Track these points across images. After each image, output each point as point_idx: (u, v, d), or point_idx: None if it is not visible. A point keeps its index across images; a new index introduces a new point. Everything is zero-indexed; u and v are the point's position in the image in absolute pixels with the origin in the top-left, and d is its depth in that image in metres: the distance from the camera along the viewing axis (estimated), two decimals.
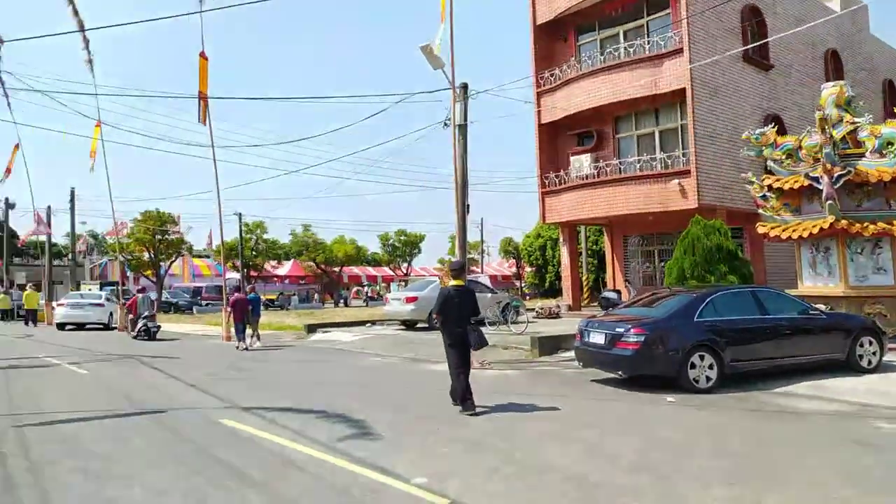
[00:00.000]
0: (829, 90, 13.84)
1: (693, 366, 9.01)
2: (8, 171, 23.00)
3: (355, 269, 53.66)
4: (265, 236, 46.02)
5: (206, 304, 39.64)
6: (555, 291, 36.34)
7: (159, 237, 39.65)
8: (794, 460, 5.73)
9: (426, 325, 18.51)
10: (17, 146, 23.37)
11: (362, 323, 21.35)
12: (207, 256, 50.00)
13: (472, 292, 8.40)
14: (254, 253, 44.30)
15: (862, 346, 10.11)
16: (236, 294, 17.29)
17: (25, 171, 41.91)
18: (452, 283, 8.29)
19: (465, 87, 13.04)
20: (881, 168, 12.85)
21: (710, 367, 9.09)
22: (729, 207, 19.56)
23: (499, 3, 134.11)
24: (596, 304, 24.13)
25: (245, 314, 16.38)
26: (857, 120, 13.46)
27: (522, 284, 49.14)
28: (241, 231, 41.86)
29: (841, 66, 24.80)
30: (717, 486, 4.96)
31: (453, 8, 11.90)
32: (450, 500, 4.64)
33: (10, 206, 37.68)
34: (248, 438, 6.51)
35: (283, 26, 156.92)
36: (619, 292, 22.01)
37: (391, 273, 54.50)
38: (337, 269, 49.40)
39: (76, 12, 17.01)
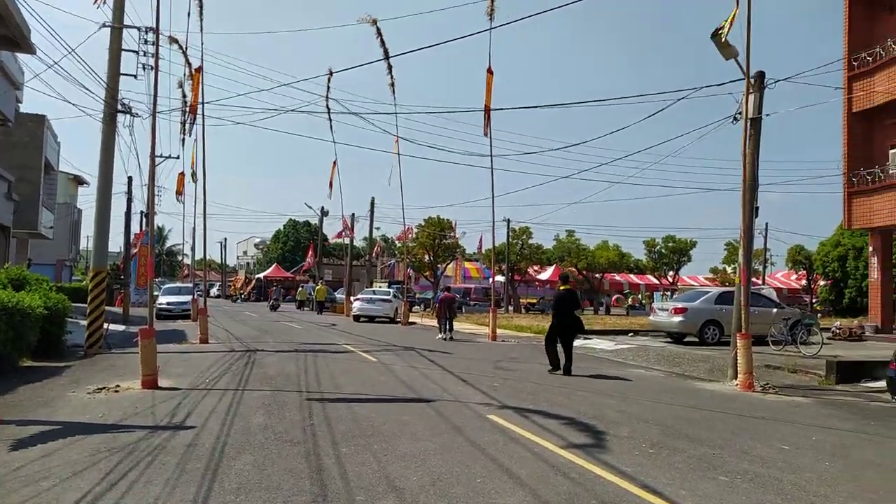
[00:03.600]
0: None
1: None
2: (330, 185, 27.19)
3: (617, 276, 52.29)
4: (530, 241, 47.37)
5: (474, 305, 42.20)
6: (856, 310, 31.07)
7: (438, 241, 43.42)
8: None
9: (696, 340, 17.18)
10: (335, 163, 27.48)
11: (625, 332, 20.67)
12: (477, 260, 53.22)
13: (575, 293, 13.32)
14: (518, 257, 45.90)
15: None
16: (444, 293, 20.72)
17: (339, 184, 49.17)
18: (562, 286, 12.83)
19: (761, 75, 11.78)
20: None
21: None
22: None
23: None
24: None
25: (451, 310, 19.89)
26: None
27: (814, 300, 42.92)
28: (508, 236, 43.71)
29: None
30: None
31: None
32: None
33: (324, 213, 44.63)
34: (512, 436, 6.69)
35: (558, 37, 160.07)
36: None
37: (656, 281, 51.91)
38: (598, 275, 48.66)
39: (383, 42, 19.67)
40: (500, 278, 44.58)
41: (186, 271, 71.40)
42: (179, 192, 24.39)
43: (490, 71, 18.43)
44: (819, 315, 32.80)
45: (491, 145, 19.49)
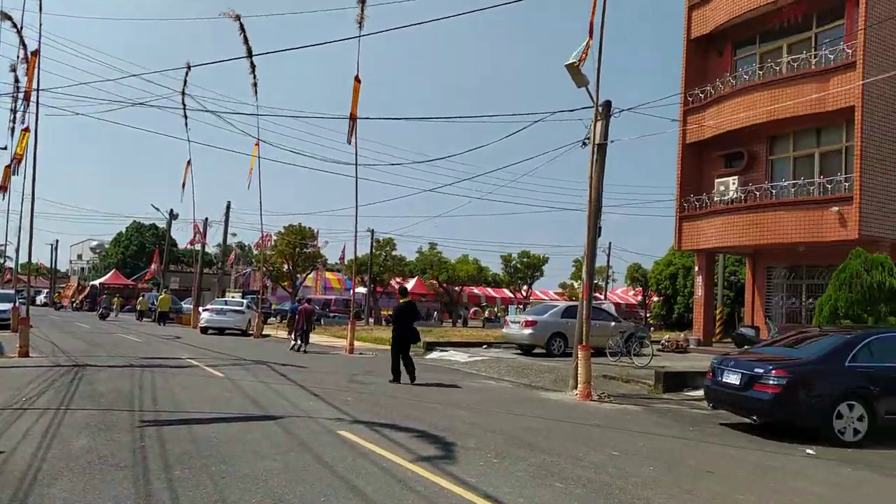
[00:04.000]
0: None
1: (840, 416, 8.10)
2: (183, 185, 25.62)
3: (475, 290, 53.93)
4: (394, 253, 47.54)
5: (335, 316, 41.49)
6: (683, 324, 34.34)
7: (299, 250, 42.26)
8: None
9: (543, 351, 18.08)
10: (188, 162, 25.91)
11: (479, 344, 21.29)
12: (339, 270, 52.50)
13: (414, 305, 14.02)
14: (381, 269, 45.88)
15: None
16: (304, 304, 20.56)
17: (192, 185, 46.27)
18: (402, 300, 13.58)
19: (607, 104, 12.70)
20: None
21: (860, 418, 8.14)
22: (895, 240, 17.50)
23: (645, 22, 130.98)
24: (729, 340, 22.42)
25: (309, 322, 19.94)
26: None
27: (648, 314, 46.93)
28: (371, 247, 43.57)
29: None
30: None
31: (604, 25, 11.55)
32: None
33: (173, 216, 41.76)
34: (361, 452, 6.59)
35: (432, 49, 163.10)
36: (757, 329, 20.31)
37: (511, 295, 54.16)
38: (458, 288, 49.89)
39: (246, 40, 18.93)
40: (361, 290, 44.24)
41: (9, 276, 63.69)
42: (3, 188, 21.77)
43: (357, 79, 18.34)
44: (651, 329, 35.93)
45: (356, 154, 19.28)
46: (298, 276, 44.37)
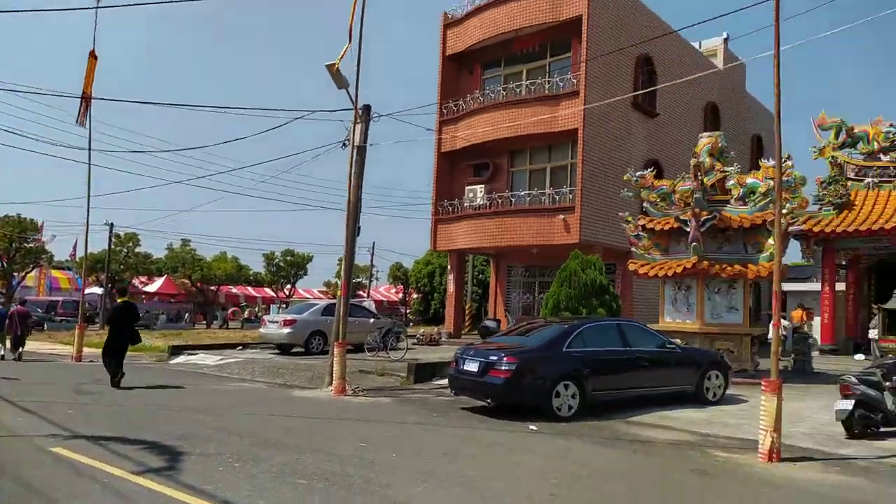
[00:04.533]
0: (706, 139, 14.95)
1: (558, 395, 9.22)
2: None
3: (234, 289, 51.29)
4: (137, 249, 42.95)
5: (61, 321, 36.12)
6: (439, 319, 36.49)
7: (17, 245, 36.11)
8: (630, 486, 5.89)
9: (303, 350, 17.85)
10: None
11: (234, 346, 20.29)
12: (69, 268, 45.99)
13: (134, 305, 13.37)
14: (122, 267, 41.15)
15: (709, 379, 10.81)
16: (17, 307, 18.51)
17: None
18: (120, 299, 13.04)
19: (367, 108, 12.86)
20: (743, 214, 13.98)
21: (574, 396, 9.34)
22: (606, 244, 20.53)
23: (407, 31, 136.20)
24: (477, 332, 24.42)
25: (24, 327, 17.65)
26: (726, 169, 14.62)
27: (408, 311, 49.07)
28: (110, 242, 38.82)
29: (718, 119, 26.94)
30: None
31: (363, 28, 11.73)
32: None
33: None
34: (78, 469, 5.82)
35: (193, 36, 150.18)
36: (499, 321, 22.40)
37: (273, 294, 52.57)
38: (214, 287, 46.91)
39: None
40: (97, 290, 39.25)
41: None
42: None
43: (93, 55, 16.24)
44: (410, 324, 37.66)
45: (90, 138, 17.05)
46: (16, 274, 37.91)
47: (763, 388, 7.31)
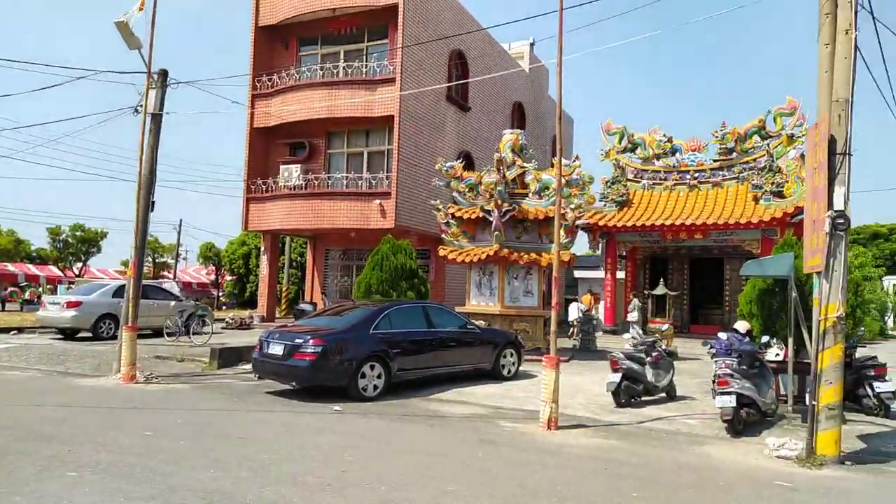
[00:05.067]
0: (508, 136, 15.98)
1: (363, 375, 9.42)
2: None
3: (10, 266, 44.99)
4: None
5: None
6: (255, 303, 35.17)
7: None
8: (421, 458, 6.26)
9: (91, 336, 16.23)
10: None
11: (8, 330, 17.87)
12: None
13: None
14: None
15: (505, 357, 11.72)
16: None
17: None
18: None
19: (164, 73, 11.86)
20: (538, 207, 15.21)
21: (379, 376, 9.61)
22: (422, 230, 21.18)
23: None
24: (293, 316, 23.95)
25: None
26: (525, 165, 15.75)
27: (221, 294, 46.63)
28: None
29: (524, 118, 28.89)
30: (353, 486, 5.14)
31: None
32: None
33: None
34: None
35: None
36: (314, 304, 22.17)
37: (60, 273, 46.96)
38: None
39: None
40: None
41: None
42: None
43: None
44: (224, 308, 35.83)
45: None
46: None
47: (544, 364, 8.09)
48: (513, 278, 15.37)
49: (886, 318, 31.33)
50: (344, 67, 21.19)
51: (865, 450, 7.27)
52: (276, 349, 9.61)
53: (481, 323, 13.38)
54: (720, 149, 21.94)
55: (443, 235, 16.14)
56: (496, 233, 14.78)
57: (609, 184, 22.88)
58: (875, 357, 9.87)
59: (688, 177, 22.40)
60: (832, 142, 6.90)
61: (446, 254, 15.78)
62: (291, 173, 21.84)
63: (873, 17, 7.76)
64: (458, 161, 17.26)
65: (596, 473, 6.05)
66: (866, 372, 9.38)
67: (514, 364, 11.88)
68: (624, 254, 23.88)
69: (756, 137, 21.28)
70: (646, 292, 19.22)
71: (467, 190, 15.97)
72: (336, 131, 22.21)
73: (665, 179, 22.74)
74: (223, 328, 19.85)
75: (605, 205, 22.50)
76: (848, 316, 10.71)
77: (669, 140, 22.78)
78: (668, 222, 20.33)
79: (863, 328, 12.38)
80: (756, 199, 20.23)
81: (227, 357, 13.13)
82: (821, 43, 7.23)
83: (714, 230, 20.29)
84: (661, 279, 17.90)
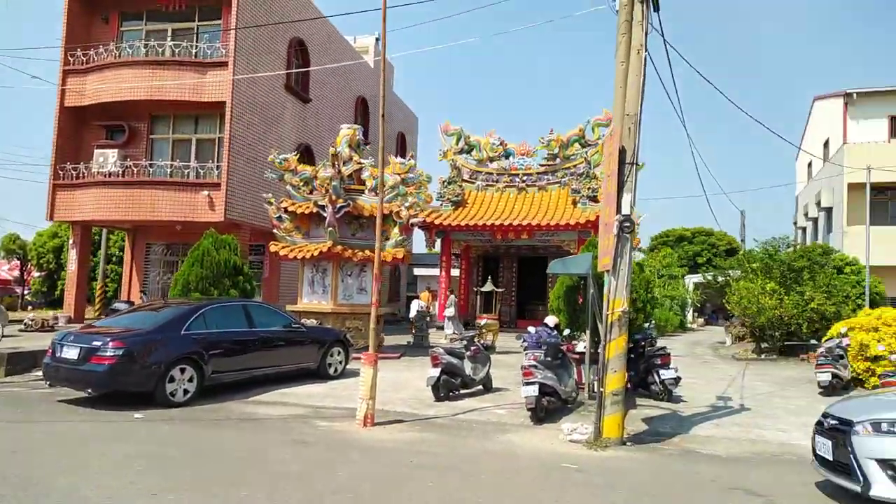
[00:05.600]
0: (346, 131, 15.74)
1: (172, 379, 8.84)
2: None
3: None
4: None
5: None
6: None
7: None
8: (221, 463, 6.02)
9: None
10: None
11: None
12: None
13: None
14: None
15: (332, 356, 11.61)
16: None
17: None
18: None
19: None
20: (374, 204, 15.16)
21: (191, 379, 9.08)
22: (255, 225, 20.32)
23: None
24: (106, 316, 21.90)
25: None
26: (362, 161, 15.66)
27: (27, 292, 41.56)
28: None
29: (368, 113, 28.70)
30: (140, 497, 4.80)
31: None
32: None
33: None
34: None
35: None
36: (132, 303, 20.43)
37: None
38: None
39: None
40: None
41: None
42: None
43: None
44: (31, 307, 31.94)
45: None
46: None
47: (363, 361, 8.11)
48: (346, 276, 15.27)
49: (686, 312, 35.29)
50: (171, 47, 19.72)
51: (647, 431, 8.12)
52: (71, 353, 8.71)
53: (312, 321, 13.14)
54: (547, 154, 23.42)
55: (275, 231, 15.62)
56: (330, 229, 14.58)
57: (446, 183, 23.52)
58: (664, 347, 11.07)
59: (517, 180, 23.65)
60: (622, 152, 7.60)
61: (278, 250, 15.30)
62: (108, 158, 19.94)
63: (664, 39, 8.68)
64: (294, 153, 16.78)
65: (399, 466, 6.17)
66: (654, 361, 10.50)
67: (340, 363, 11.79)
68: (458, 252, 24.68)
69: (577, 145, 22.98)
70: (475, 289, 20.05)
71: (302, 184, 15.59)
72: (161, 115, 20.62)
73: (497, 181, 23.82)
74: (20, 331, 17.68)
75: (441, 204, 23.09)
76: (639, 311, 12.08)
77: (502, 144, 23.90)
78: (497, 222, 21.31)
79: (653, 321, 13.80)
80: (574, 203, 21.87)
81: (18, 362, 11.78)
82: (618, 60, 7.94)
83: (538, 231, 21.59)
84: (492, 277, 18.76)
